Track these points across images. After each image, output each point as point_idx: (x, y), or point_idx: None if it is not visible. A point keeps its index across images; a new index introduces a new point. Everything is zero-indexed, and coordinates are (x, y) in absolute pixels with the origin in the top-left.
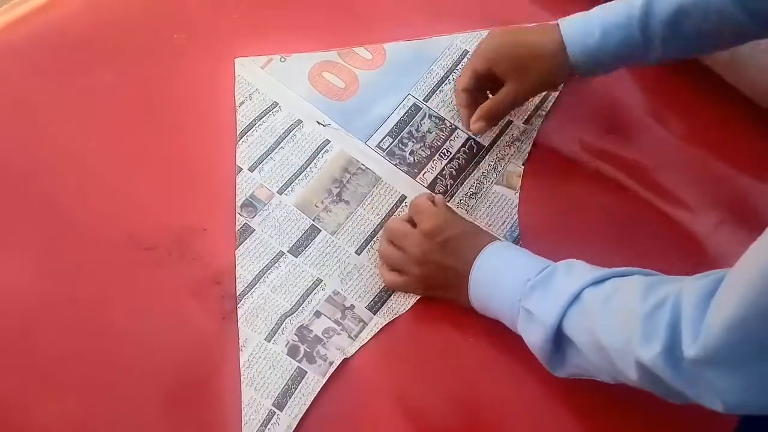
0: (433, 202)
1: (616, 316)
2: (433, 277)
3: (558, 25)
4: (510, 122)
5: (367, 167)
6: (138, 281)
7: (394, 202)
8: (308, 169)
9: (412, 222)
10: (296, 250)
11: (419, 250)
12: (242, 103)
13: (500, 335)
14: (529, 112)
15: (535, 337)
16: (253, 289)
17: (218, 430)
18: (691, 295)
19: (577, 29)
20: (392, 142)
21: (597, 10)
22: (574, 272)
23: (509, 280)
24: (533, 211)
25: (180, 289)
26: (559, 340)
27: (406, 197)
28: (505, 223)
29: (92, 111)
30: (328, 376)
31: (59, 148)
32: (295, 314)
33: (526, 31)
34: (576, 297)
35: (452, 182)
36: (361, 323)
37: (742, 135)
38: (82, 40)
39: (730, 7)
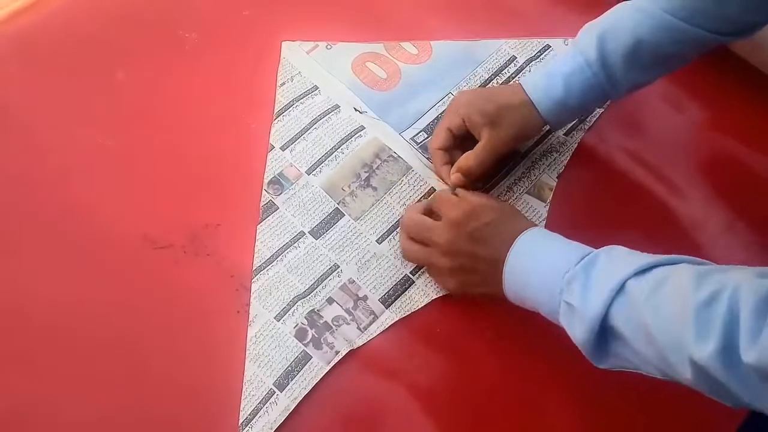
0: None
1: (667, 306)
2: (464, 270)
3: (521, 85)
4: (549, 132)
5: (398, 156)
6: (154, 281)
7: (423, 193)
8: (339, 151)
9: (430, 214)
10: (317, 231)
11: (445, 241)
12: (283, 84)
13: (514, 331)
14: (570, 124)
15: (578, 330)
16: (269, 266)
17: (222, 416)
18: (750, 294)
19: (541, 86)
20: (426, 137)
21: (554, 63)
22: (616, 261)
23: (547, 270)
24: (563, 225)
25: (195, 286)
26: (603, 332)
27: (435, 190)
28: None
29: (106, 110)
30: (332, 364)
31: (75, 150)
32: (307, 297)
33: (494, 90)
34: (620, 288)
35: (481, 185)
36: (372, 316)
37: (766, 116)
38: (91, 39)
39: (684, 26)
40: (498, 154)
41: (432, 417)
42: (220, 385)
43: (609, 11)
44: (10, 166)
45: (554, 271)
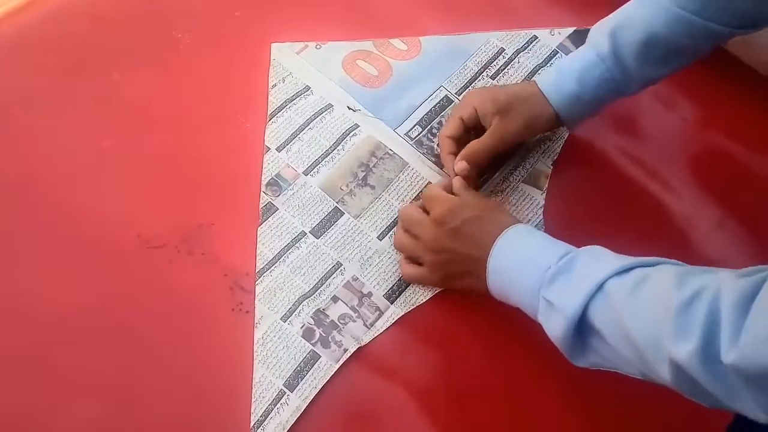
0: (450, 187)
1: (647, 306)
2: (448, 265)
3: (535, 82)
4: None
5: (394, 152)
6: (149, 281)
7: (420, 188)
8: (335, 151)
9: (426, 210)
10: (318, 231)
11: (430, 237)
12: (275, 85)
13: (518, 328)
14: None
15: (555, 327)
16: (272, 268)
17: (235, 417)
18: (731, 293)
19: (552, 80)
20: (421, 131)
21: (567, 59)
22: (597, 260)
23: (529, 267)
24: (559, 212)
25: (189, 285)
26: (580, 330)
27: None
28: (530, 223)
29: (101, 111)
30: (341, 362)
31: (70, 151)
32: (312, 297)
33: (508, 85)
34: (599, 288)
35: (479, 178)
36: (378, 312)
37: (758, 114)
38: (86, 40)
39: (695, 19)
40: (505, 143)
41: (430, 414)
42: (218, 383)
43: (621, 8)
44: (3, 166)
45: (536, 268)
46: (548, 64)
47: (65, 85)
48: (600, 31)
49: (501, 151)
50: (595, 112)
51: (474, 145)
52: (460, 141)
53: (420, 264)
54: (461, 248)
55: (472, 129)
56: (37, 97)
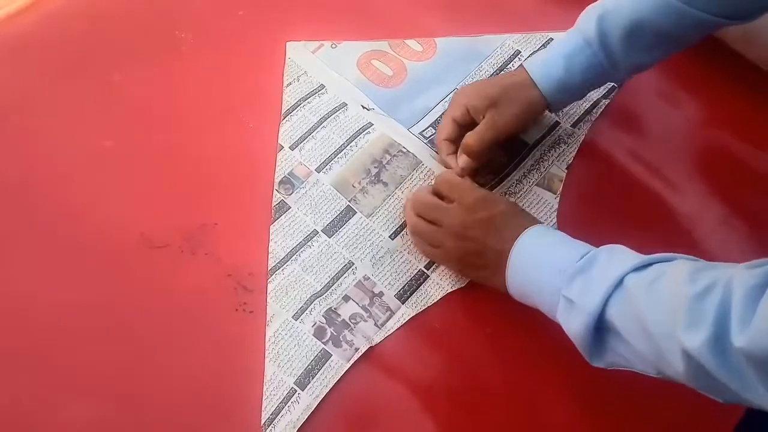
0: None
1: (662, 299)
2: (468, 254)
3: (523, 67)
4: (557, 124)
5: (408, 150)
6: (152, 281)
7: None
8: (348, 148)
9: (440, 196)
10: (330, 229)
11: (458, 224)
12: (289, 84)
13: (532, 330)
14: (577, 116)
15: (576, 325)
16: (284, 266)
17: (240, 416)
18: (743, 283)
19: (541, 64)
20: (435, 132)
21: (555, 44)
22: (616, 258)
23: (549, 267)
24: (572, 216)
25: (193, 285)
26: (600, 328)
27: None
28: None
29: (102, 112)
30: (352, 361)
31: (71, 151)
32: (324, 296)
33: (496, 76)
34: (619, 283)
35: (492, 176)
36: (389, 312)
37: (762, 111)
38: (86, 41)
39: (684, 8)
40: (499, 131)
41: (439, 415)
42: (220, 383)
43: None
44: (5, 167)
45: (556, 268)
46: None
47: (65, 85)
48: (588, 16)
49: (497, 140)
50: (582, 96)
51: (469, 138)
52: (457, 142)
53: (437, 247)
54: (487, 239)
55: (467, 128)
56: (37, 97)
